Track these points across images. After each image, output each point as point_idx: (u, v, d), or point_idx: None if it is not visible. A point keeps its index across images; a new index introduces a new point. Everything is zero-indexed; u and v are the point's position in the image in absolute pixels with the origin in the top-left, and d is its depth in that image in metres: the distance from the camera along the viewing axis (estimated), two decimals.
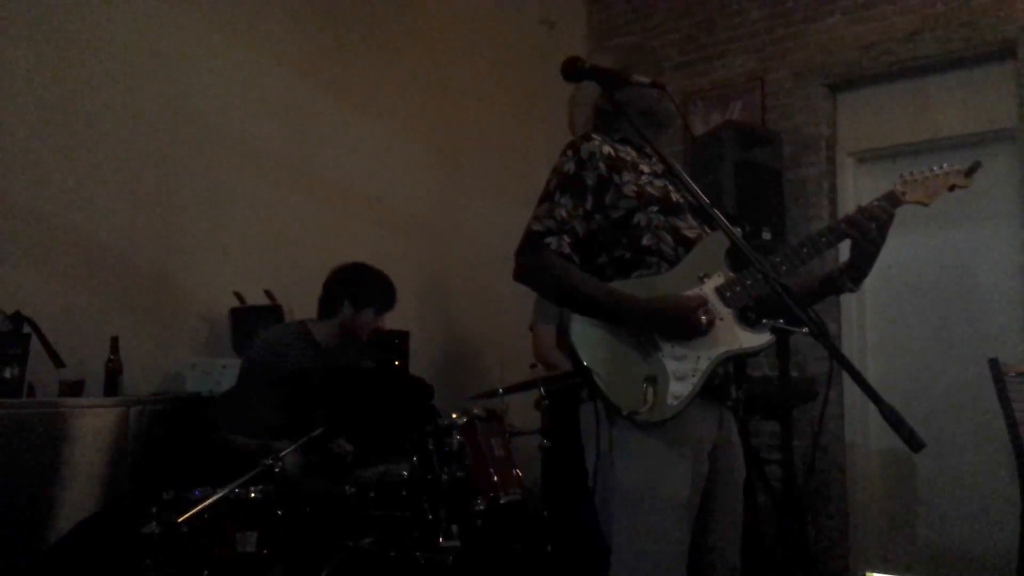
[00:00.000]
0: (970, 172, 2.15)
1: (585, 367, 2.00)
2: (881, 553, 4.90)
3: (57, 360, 3.24)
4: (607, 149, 2.17)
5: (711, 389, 2.05)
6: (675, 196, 2.18)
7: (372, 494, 3.28)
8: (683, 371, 2.01)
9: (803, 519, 4.36)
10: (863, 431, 4.94)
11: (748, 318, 2.09)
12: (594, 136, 2.20)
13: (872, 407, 1.57)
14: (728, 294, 2.06)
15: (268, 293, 3.91)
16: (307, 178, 4.46)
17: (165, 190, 3.87)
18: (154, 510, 2.62)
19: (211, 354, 3.86)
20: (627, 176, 2.15)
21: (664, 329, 2.02)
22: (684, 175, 2.01)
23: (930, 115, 4.85)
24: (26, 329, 3.15)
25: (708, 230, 2.20)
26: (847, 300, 4.94)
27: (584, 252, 2.13)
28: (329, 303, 3.52)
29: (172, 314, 3.87)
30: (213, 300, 3.94)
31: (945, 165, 2.16)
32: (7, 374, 3.01)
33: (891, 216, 2.12)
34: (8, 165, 3.36)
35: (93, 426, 3.15)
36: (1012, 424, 3.55)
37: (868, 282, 2.28)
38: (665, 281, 2.08)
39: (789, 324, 3.16)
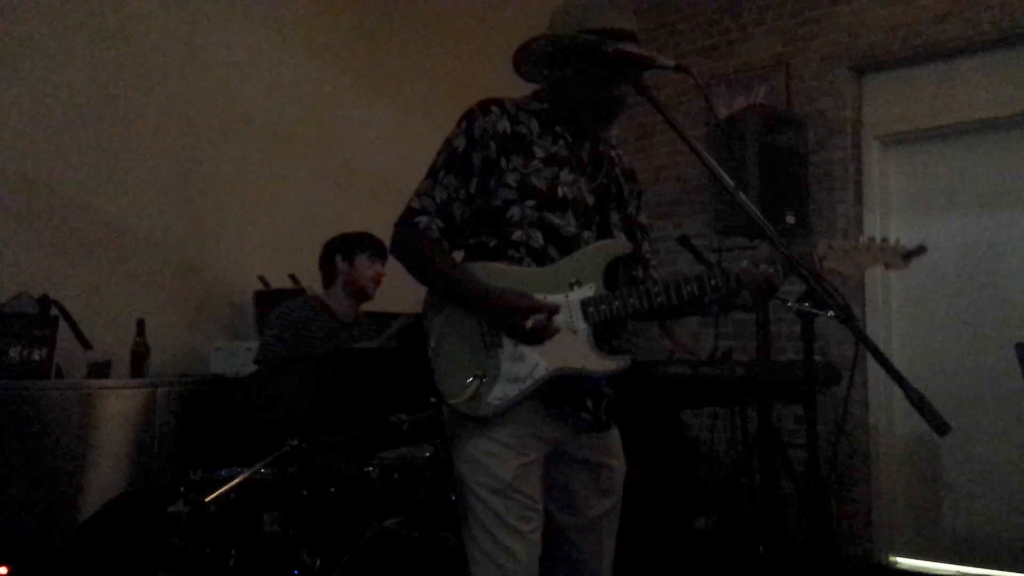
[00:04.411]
0: (909, 255, 2.00)
1: (431, 349, 2.01)
2: (905, 538, 4.88)
3: (85, 342, 3.28)
4: (503, 125, 2.07)
5: (550, 397, 2.00)
6: (564, 190, 2.06)
7: (396, 475, 3.30)
8: (516, 374, 1.95)
9: (827, 504, 4.35)
10: (887, 415, 4.92)
11: (601, 338, 2.01)
12: (493, 108, 2.10)
13: (896, 391, 1.55)
14: (591, 309, 1.97)
15: (292, 277, 3.94)
16: (332, 164, 4.49)
17: (192, 175, 3.90)
18: (181, 490, 2.65)
19: (236, 337, 3.90)
20: (515, 160, 2.05)
21: (490, 319, 1.97)
22: (697, 146, 1.85)
23: (957, 98, 4.79)
24: (54, 312, 3.19)
25: (590, 233, 2.09)
26: (872, 284, 4.90)
27: (458, 234, 2.09)
28: (327, 269, 3.57)
29: (198, 297, 3.91)
30: (238, 283, 3.97)
31: (879, 239, 2.02)
32: (36, 356, 3.05)
33: (773, 289, 1.99)
34: (37, 151, 3.39)
35: (120, 407, 3.19)
36: None
37: None
38: (532, 277, 2.00)
39: (815, 308, 3.13)
